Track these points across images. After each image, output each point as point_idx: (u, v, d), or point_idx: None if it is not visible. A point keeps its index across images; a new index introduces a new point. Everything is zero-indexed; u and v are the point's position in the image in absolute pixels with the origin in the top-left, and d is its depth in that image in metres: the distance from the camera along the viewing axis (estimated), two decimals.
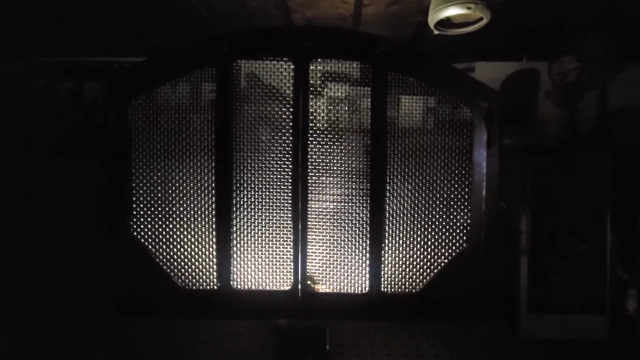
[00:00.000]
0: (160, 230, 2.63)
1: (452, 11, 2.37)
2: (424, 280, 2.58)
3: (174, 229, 2.63)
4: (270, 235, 2.62)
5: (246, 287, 2.64)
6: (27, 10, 3.20)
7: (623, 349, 3.36)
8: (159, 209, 2.61)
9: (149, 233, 2.62)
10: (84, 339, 2.73)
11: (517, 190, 2.87)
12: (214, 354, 2.59)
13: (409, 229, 2.58)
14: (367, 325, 2.74)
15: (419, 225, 2.58)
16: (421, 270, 2.58)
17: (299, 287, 2.60)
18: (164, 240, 2.63)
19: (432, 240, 2.58)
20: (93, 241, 3.22)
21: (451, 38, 2.86)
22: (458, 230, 2.57)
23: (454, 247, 2.58)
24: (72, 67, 4.19)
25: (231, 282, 2.61)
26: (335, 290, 2.62)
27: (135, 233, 2.60)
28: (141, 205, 2.61)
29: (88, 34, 3.72)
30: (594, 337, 3.42)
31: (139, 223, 2.61)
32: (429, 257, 2.58)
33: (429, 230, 2.58)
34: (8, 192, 3.76)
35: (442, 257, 2.58)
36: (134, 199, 2.60)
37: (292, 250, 2.60)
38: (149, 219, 2.62)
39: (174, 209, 2.61)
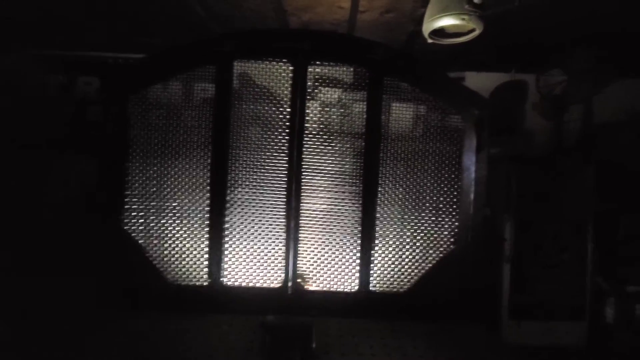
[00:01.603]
0: (153, 225, 2.64)
1: (447, 21, 2.44)
2: (412, 280, 2.63)
3: (167, 225, 2.63)
4: (263, 233, 2.64)
5: (237, 283, 2.66)
6: (22, 5, 3.19)
7: (601, 355, 3.44)
8: (153, 204, 2.62)
9: (142, 228, 2.63)
10: (72, 334, 2.71)
11: (502, 199, 2.94)
12: (200, 350, 2.59)
13: (399, 230, 2.63)
14: (352, 325, 2.77)
15: (408, 227, 2.63)
16: (410, 270, 2.63)
17: (289, 284, 2.62)
18: (157, 235, 2.64)
19: (421, 241, 2.63)
20: (83, 236, 3.21)
21: (443, 47, 2.93)
22: (446, 233, 2.63)
23: (442, 249, 2.63)
24: (65, 62, 4.15)
25: (222, 279, 2.62)
26: (325, 288, 2.65)
27: (127, 228, 2.60)
28: (134, 200, 2.61)
29: (84, 29, 3.71)
30: (574, 344, 3.49)
31: (131, 218, 2.61)
32: (417, 258, 2.63)
33: (418, 231, 2.63)
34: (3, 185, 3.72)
35: (430, 259, 2.63)
36: (128, 193, 2.60)
37: (283, 248, 2.63)
38: (142, 214, 2.62)
39: (167, 204, 2.62)
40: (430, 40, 2.66)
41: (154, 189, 2.60)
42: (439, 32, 2.63)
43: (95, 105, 4.01)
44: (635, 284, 3.40)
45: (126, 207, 2.60)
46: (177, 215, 2.63)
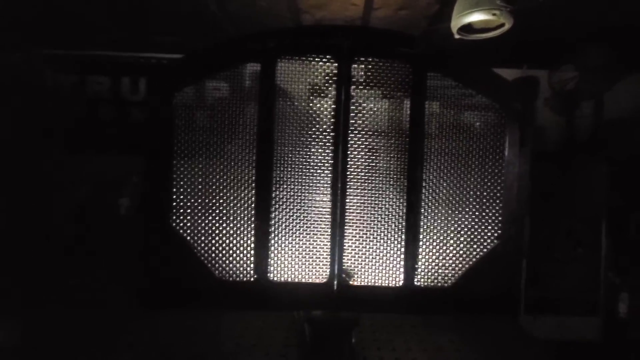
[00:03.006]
0: (200, 222, 2.60)
1: (478, 17, 2.44)
2: (457, 275, 2.63)
3: (214, 222, 2.60)
4: (308, 229, 2.62)
5: (283, 279, 2.63)
6: (33, 3, 3.12)
7: (615, 350, 3.48)
8: (200, 201, 2.58)
9: (189, 225, 2.59)
10: (114, 332, 2.78)
11: None
12: (236, 345, 2.61)
13: (443, 225, 2.63)
14: (385, 320, 2.79)
15: (453, 222, 2.63)
16: (454, 265, 2.64)
17: (335, 280, 2.60)
18: (204, 232, 2.60)
19: (466, 236, 2.64)
20: (121, 235, 3.19)
21: (458, 44, 2.94)
22: (490, 227, 2.64)
23: (486, 244, 2.63)
24: (77, 61, 4.08)
25: (268, 274, 2.60)
26: (370, 284, 2.63)
27: (175, 225, 2.56)
28: (181, 197, 2.57)
29: (97, 28, 3.64)
30: (589, 338, 3.53)
31: (178, 215, 2.57)
32: (462, 252, 2.64)
33: (463, 226, 2.64)
34: (15, 186, 3.65)
35: (475, 253, 2.64)
36: (175, 190, 2.56)
37: (329, 243, 2.60)
38: (189, 211, 2.58)
39: (214, 201, 2.58)
40: (457, 36, 2.67)
41: (200, 186, 2.56)
42: (466, 28, 2.64)
43: (108, 105, 3.98)
44: None
45: (173, 204, 2.55)
46: (223, 212, 2.59)
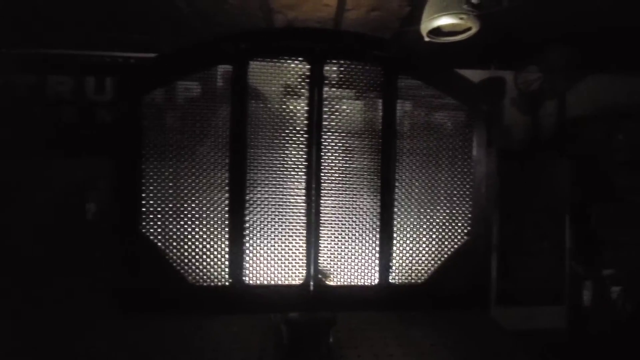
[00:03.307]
0: (172, 227, 2.55)
1: (445, 20, 2.50)
2: (429, 272, 2.69)
3: (187, 226, 2.56)
4: (283, 231, 2.61)
5: (258, 282, 2.62)
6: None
7: (580, 337, 3.64)
8: (171, 205, 2.53)
9: (160, 230, 2.53)
10: (89, 337, 2.68)
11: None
12: (213, 352, 2.56)
13: (416, 223, 2.68)
14: (361, 319, 2.82)
15: (425, 220, 2.69)
16: (427, 262, 2.69)
17: (311, 280, 2.60)
18: (176, 237, 2.55)
19: (437, 233, 2.70)
20: (91, 240, 3.09)
21: (428, 46, 3.00)
22: (460, 224, 2.70)
23: (456, 241, 2.70)
24: (36, 60, 3.90)
25: (243, 278, 2.58)
26: (346, 283, 2.66)
27: (145, 230, 2.50)
28: (151, 202, 2.51)
29: (56, 26, 3.52)
30: (555, 327, 3.69)
31: (149, 220, 2.51)
32: (434, 250, 2.70)
33: (434, 224, 2.69)
34: None
35: (446, 250, 2.70)
36: (144, 195, 2.50)
37: (304, 245, 2.61)
38: (160, 216, 2.53)
39: (186, 205, 2.54)
40: (427, 39, 2.72)
41: (171, 190, 2.51)
42: (435, 31, 2.69)
43: (70, 106, 3.84)
44: (610, 267, 3.60)
45: (143, 209, 2.49)
46: (196, 216, 2.55)
